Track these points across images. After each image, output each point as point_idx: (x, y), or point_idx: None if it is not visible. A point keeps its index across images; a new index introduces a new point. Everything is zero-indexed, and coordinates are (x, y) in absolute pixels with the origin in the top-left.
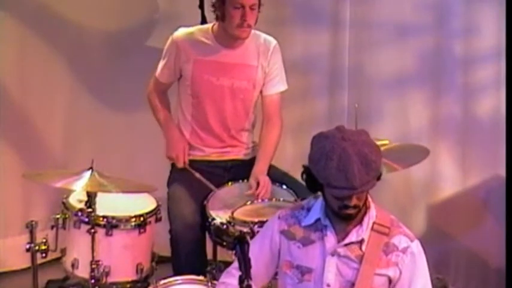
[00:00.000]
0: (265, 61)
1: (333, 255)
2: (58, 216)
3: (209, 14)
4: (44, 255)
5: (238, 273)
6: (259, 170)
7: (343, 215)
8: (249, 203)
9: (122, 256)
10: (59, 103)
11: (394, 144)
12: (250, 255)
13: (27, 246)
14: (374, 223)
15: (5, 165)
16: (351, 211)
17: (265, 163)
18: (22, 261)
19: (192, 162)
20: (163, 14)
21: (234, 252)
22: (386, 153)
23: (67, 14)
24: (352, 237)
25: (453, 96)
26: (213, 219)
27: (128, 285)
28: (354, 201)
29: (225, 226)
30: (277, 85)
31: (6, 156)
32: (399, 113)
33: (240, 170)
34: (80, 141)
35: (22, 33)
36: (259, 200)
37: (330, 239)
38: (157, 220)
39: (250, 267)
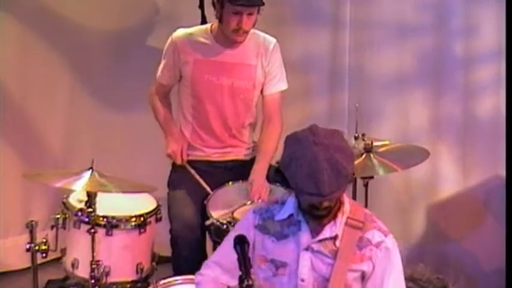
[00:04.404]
0: (265, 60)
1: (307, 250)
2: (58, 216)
3: (209, 14)
4: (44, 255)
5: (214, 266)
6: (257, 172)
7: (314, 216)
8: (249, 202)
9: (122, 256)
10: (59, 103)
11: (394, 145)
12: (224, 249)
13: (27, 246)
14: (348, 218)
15: (5, 165)
16: (322, 212)
17: (264, 164)
18: (22, 261)
19: (192, 163)
20: (163, 14)
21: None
22: (386, 154)
23: (67, 14)
24: (326, 233)
25: (453, 96)
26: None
27: (128, 285)
28: (325, 204)
29: (225, 226)
30: (277, 84)
31: (6, 156)
32: (399, 112)
33: (241, 170)
34: (80, 141)
35: (22, 33)
36: (259, 200)
37: (304, 234)
38: (158, 220)
39: (250, 267)
